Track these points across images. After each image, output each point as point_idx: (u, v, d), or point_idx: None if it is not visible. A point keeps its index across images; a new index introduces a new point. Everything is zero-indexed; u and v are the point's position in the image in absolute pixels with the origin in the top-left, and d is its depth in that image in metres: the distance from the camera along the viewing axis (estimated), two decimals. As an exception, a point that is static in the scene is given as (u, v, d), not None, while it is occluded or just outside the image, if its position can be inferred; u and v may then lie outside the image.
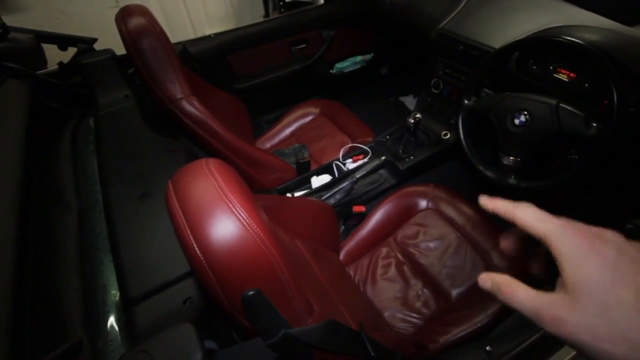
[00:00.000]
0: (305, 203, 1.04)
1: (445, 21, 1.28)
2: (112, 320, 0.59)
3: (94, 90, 1.10)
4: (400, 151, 1.35)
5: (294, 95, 1.85)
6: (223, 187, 0.47)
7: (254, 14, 2.68)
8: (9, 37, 0.97)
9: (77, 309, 0.59)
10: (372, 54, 1.94)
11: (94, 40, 1.18)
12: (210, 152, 1.13)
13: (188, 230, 0.44)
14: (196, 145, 1.12)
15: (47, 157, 0.93)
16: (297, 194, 1.29)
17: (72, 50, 1.18)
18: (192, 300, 0.58)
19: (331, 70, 1.88)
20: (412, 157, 1.32)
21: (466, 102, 1.09)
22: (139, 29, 0.94)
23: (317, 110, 1.74)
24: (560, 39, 0.85)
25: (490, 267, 1.08)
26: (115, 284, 0.62)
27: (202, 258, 0.42)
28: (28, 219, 0.63)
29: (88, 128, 1.06)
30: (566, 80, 1.00)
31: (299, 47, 1.72)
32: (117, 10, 2.29)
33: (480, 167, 1.06)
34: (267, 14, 2.60)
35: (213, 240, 0.43)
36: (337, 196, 1.24)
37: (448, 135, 1.35)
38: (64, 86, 1.12)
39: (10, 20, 2.01)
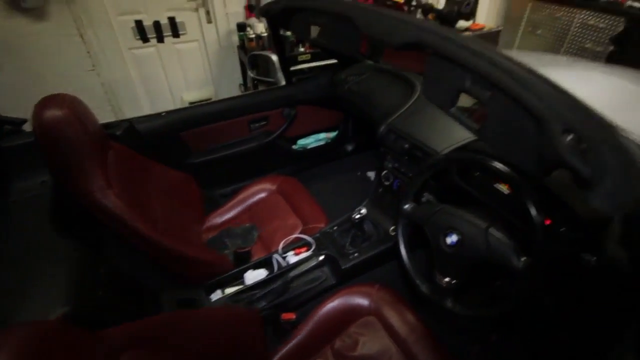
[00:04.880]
0: (217, 313, 0.92)
1: (395, 116, 1.26)
2: None
3: (9, 175, 1.03)
4: (347, 244, 1.27)
5: (253, 170, 1.80)
6: None
7: (233, 81, 2.74)
8: None
9: None
10: (336, 132, 1.93)
11: (23, 121, 1.14)
12: (130, 247, 1.04)
13: None
14: (114, 240, 1.03)
15: None
16: (228, 290, 1.17)
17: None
18: None
19: (293, 146, 1.86)
20: (356, 255, 1.22)
21: (405, 207, 1.03)
22: (51, 121, 0.89)
23: (273, 187, 1.68)
24: (484, 164, 0.80)
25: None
26: None
27: None
28: None
29: (-4, 215, 0.97)
30: (506, 192, 0.94)
31: (258, 124, 1.70)
32: (93, 74, 2.30)
33: (417, 282, 0.96)
34: (244, 82, 2.65)
35: None
36: (270, 297, 1.12)
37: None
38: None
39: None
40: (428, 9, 2.80)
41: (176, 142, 1.53)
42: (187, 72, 2.63)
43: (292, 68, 1.71)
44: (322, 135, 1.90)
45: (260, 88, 2.27)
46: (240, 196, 1.66)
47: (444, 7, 2.92)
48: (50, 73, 2.21)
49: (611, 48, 2.56)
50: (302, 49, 2.29)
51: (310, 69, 2.26)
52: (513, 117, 0.53)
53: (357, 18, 0.81)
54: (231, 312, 0.95)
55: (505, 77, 0.53)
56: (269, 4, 1.17)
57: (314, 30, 1.07)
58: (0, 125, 1.09)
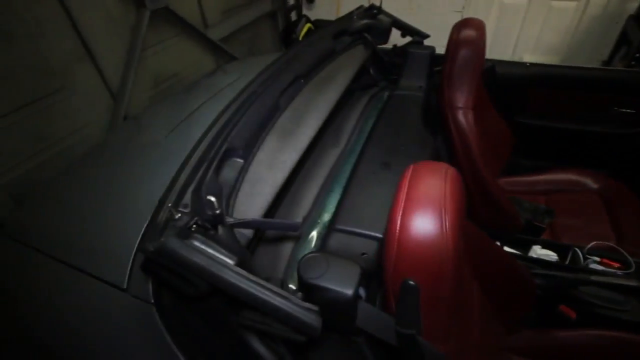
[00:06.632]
0: (511, 262, 0.95)
1: None
2: (315, 232, 0.79)
3: (401, 73, 1.34)
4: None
5: (575, 156, 1.57)
6: (447, 195, 0.53)
7: (593, 56, 2.31)
8: (377, 17, 1.32)
9: (305, 206, 0.84)
10: None
11: (427, 36, 1.40)
12: (453, 163, 1.18)
13: (401, 207, 0.54)
14: (447, 150, 1.20)
15: (349, 104, 1.24)
16: (506, 249, 1.17)
17: (408, 38, 1.46)
18: (367, 255, 0.70)
19: (654, 153, 1.45)
20: (698, 315, 0.91)
21: None
22: (465, 40, 1.06)
23: (594, 186, 1.44)
24: None
25: None
26: (332, 210, 0.82)
27: (397, 233, 0.52)
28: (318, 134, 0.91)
29: (381, 98, 1.32)
30: None
31: (623, 110, 1.40)
32: (457, 14, 2.52)
33: None
34: (609, 61, 2.18)
35: (413, 225, 0.51)
36: (551, 281, 1.04)
37: None
38: (385, 63, 1.42)
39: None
40: None
41: (520, 96, 1.50)
42: (544, 33, 2.41)
43: None
44: None
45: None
46: (547, 176, 1.52)
47: None
48: (426, 7, 2.57)
49: None
50: None
51: None
52: None
53: None
54: (516, 265, 0.96)
55: None
56: None
57: None
58: (412, 35, 1.40)
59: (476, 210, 1.21)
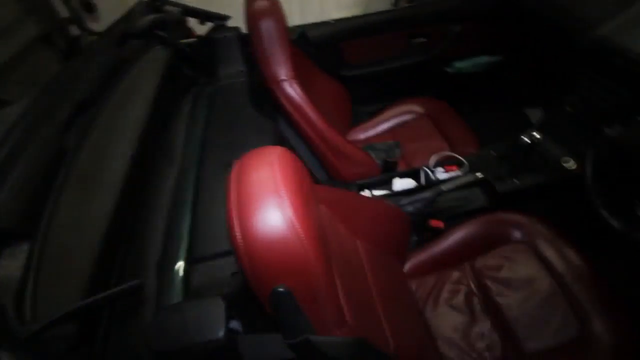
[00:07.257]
0: (378, 205, 1.00)
1: (605, 27, 1.03)
2: (176, 274, 0.67)
3: (217, 62, 1.24)
4: (504, 171, 1.19)
5: (401, 90, 1.77)
6: (278, 180, 0.48)
7: (385, 1, 2.62)
8: (164, 9, 1.16)
9: (156, 248, 0.70)
10: (499, 56, 1.70)
11: (227, 17, 1.32)
12: (301, 135, 1.17)
13: (235, 211, 0.46)
14: (289, 126, 1.18)
15: (170, 114, 1.09)
16: (376, 193, 1.25)
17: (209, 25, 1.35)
18: (238, 275, 0.62)
19: (447, 69, 1.72)
20: (515, 181, 1.14)
21: (607, 130, 0.88)
22: (260, 11, 1.02)
23: (421, 110, 1.65)
24: None
25: (586, 337, 0.89)
26: (187, 239, 0.71)
27: (242, 243, 0.44)
28: (139, 162, 0.76)
29: (205, 95, 1.20)
30: None
31: (418, 40, 1.62)
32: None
33: (604, 212, 0.86)
34: (396, 3, 2.50)
35: (254, 229, 0.44)
36: (417, 205, 1.16)
37: (570, 163, 1.12)
38: (195, 56, 1.29)
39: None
40: None
41: (336, 52, 1.58)
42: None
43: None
44: (484, 58, 1.70)
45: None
46: (385, 115, 1.67)
47: None
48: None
49: None
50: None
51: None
52: None
53: None
54: (383, 205, 1.02)
55: None
56: None
57: None
58: (212, 20, 1.29)
59: (337, 170, 1.24)
